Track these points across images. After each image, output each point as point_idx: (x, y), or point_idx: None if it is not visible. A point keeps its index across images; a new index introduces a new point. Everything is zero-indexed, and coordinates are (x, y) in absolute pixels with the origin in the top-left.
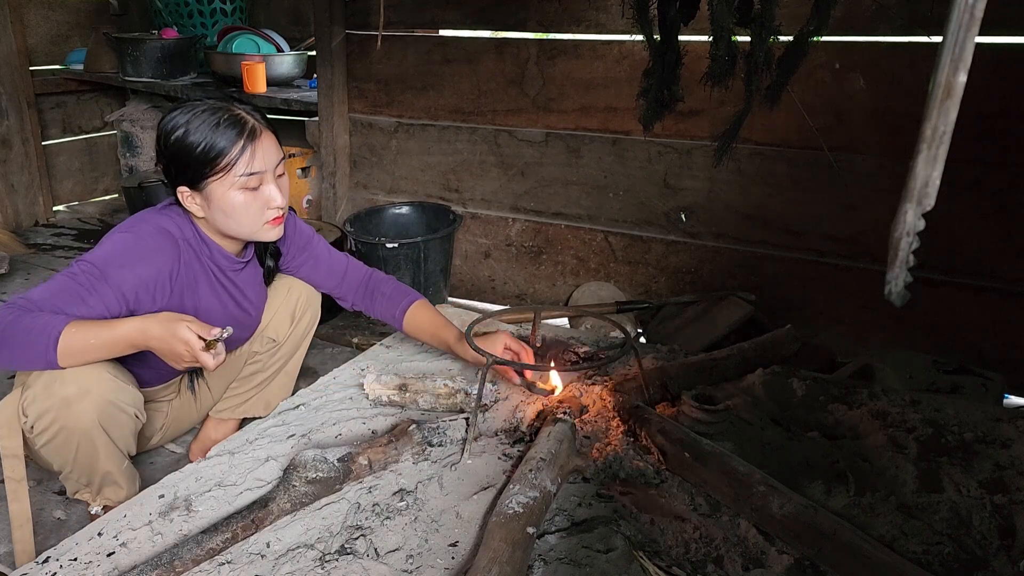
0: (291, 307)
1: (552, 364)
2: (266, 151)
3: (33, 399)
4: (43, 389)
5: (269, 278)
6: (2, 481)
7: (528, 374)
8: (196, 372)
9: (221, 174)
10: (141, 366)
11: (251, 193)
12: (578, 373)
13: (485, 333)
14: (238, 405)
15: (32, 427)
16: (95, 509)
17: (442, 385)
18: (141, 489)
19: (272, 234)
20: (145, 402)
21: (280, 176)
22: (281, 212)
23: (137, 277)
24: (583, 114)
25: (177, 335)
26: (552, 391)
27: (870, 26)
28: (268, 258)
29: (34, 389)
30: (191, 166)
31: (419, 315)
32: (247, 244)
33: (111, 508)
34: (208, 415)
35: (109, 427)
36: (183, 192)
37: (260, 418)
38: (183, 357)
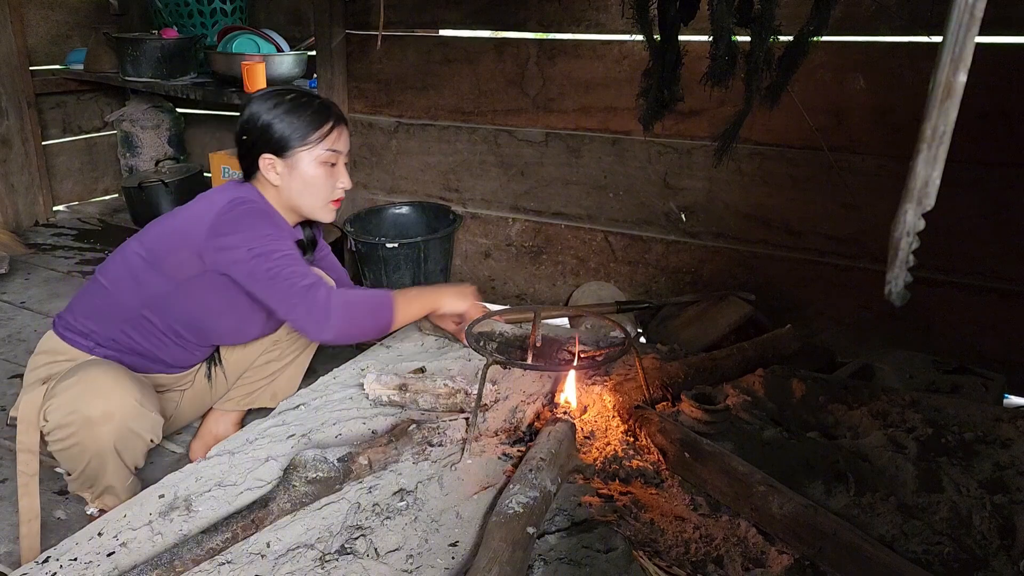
0: None
1: (551, 365)
2: (345, 138)
3: (56, 409)
4: (68, 403)
5: None
6: (3, 480)
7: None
8: (214, 361)
9: (311, 145)
10: (157, 362)
11: (329, 169)
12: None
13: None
14: (245, 395)
15: (49, 432)
16: (91, 510)
17: (442, 385)
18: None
19: (331, 215)
20: (161, 390)
21: (345, 163)
22: (343, 195)
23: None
24: (583, 114)
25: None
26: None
27: (870, 26)
28: (308, 248)
29: (59, 399)
30: (286, 134)
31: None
32: (296, 225)
33: (106, 511)
34: (211, 408)
35: (123, 450)
36: (267, 159)
37: (266, 411)
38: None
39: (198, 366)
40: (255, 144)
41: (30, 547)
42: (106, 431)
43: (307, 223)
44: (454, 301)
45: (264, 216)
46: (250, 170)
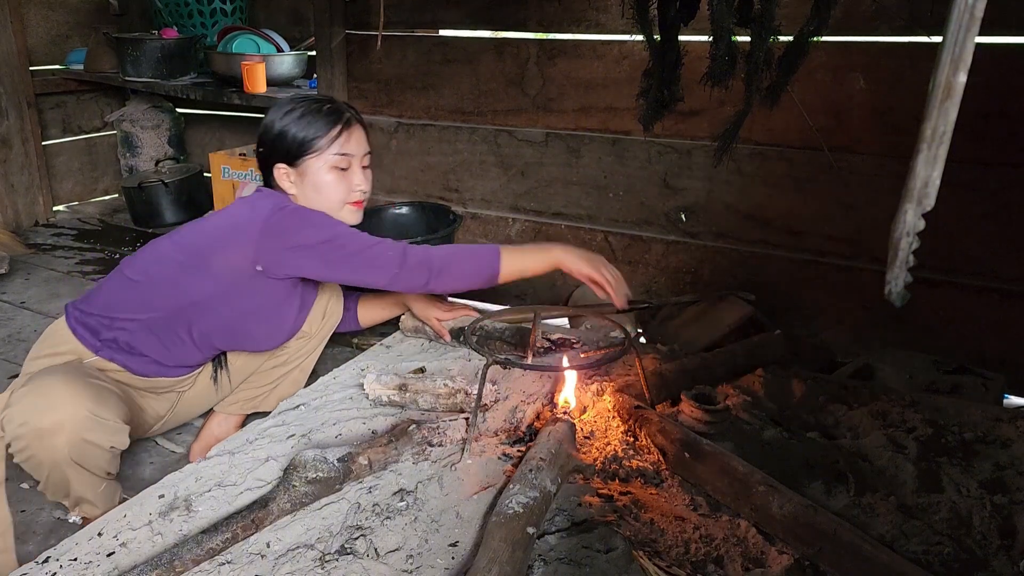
0: (324, 303)
1: (553, 364)
2: (357, 139)
3: (11, 420)
4: (20, 414)
5: None
6: None
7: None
8: (220, 364)
9: (318, 152)
10: (160, 364)
11: (340, 173)
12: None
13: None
14: (249, 399)
15: (8, 444)
16: (73, 518)
17: (442, 385)
18: (134, 495)
19: (354, 217)
20: (160, 392)
21: (365, 168)
22: (363, 197)
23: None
24: (583, 114)
25: (594, 259)
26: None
27: (870, 26)
28: None
29: (13, 410)
30: (294, 143)
31: (369, 297)
32: None
33: (89, 519)
34: (213, 411)
35: (82, 460)
36: (280, 168)
37: (264, 414)
38: (600, 266)
39: (200, 369)
40: (270, 155)
41: (5, 562)
42: (59, 443)
43: None
44: (577, 262)
45: (311, 212)
46: (269, 180)
